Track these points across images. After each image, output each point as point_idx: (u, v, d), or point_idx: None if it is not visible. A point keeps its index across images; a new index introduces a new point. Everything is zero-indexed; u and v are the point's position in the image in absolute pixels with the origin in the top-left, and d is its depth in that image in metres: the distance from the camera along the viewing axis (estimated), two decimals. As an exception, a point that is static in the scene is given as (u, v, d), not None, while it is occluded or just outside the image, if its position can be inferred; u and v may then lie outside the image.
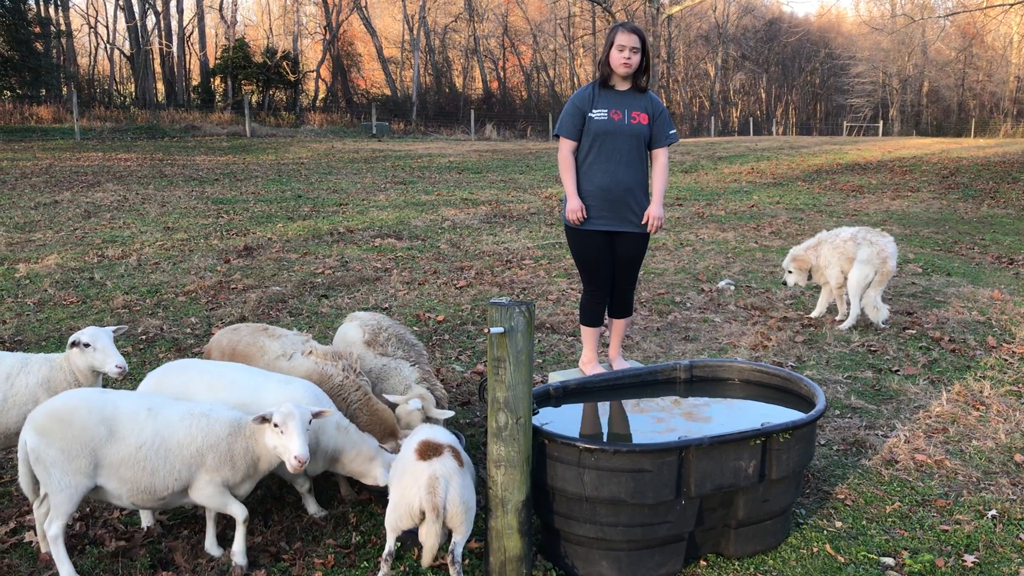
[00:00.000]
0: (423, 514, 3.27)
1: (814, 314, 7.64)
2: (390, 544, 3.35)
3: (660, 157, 5.30)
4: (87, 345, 4.11)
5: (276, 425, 3.42)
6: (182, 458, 3.47)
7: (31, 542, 3.80)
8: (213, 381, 3.92)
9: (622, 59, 5.04)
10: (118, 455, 3.41)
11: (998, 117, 57.20)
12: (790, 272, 7.55)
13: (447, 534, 3.37)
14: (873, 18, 64.66)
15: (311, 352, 4.36)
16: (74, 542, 3.81)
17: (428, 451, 3.40)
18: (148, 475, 3.44)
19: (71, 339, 4.15)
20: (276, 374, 4.08)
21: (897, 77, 62.54)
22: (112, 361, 4.12)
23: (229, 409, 3.64)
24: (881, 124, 57.08)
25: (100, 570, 3.60)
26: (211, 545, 3.72)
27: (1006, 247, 11.82)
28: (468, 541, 3.81)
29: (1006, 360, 6.51)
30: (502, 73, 60.32)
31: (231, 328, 4.67)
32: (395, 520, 3.35)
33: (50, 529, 3.40)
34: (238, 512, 3.59)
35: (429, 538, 3.29)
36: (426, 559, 3.35)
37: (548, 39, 60.34)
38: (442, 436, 3.56)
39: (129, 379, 5.87)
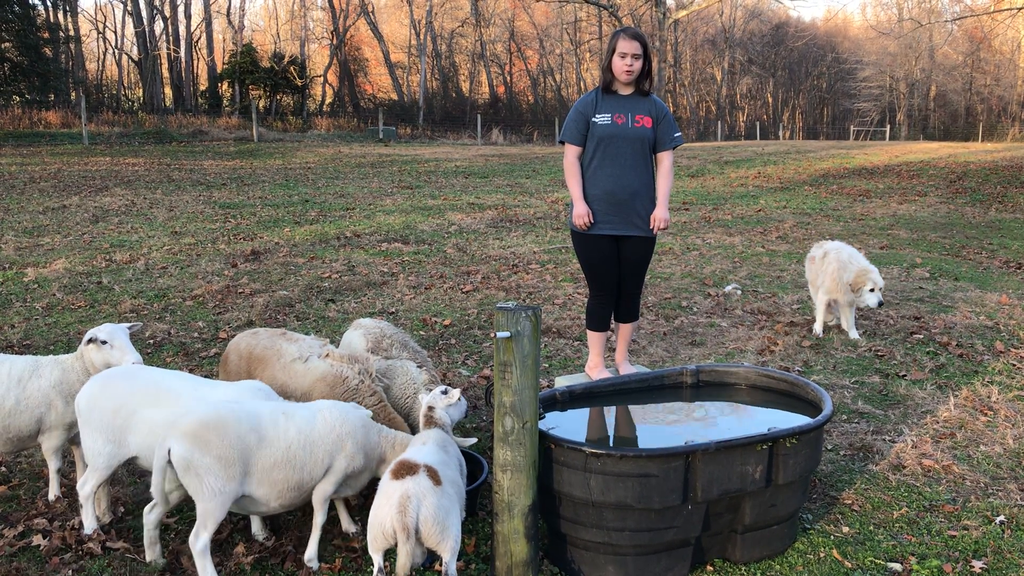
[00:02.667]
0: (396, 534, 3.24)
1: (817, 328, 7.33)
2: (378, 562, 3.32)
3: (665, 160, 5.30)
4: (104, 342, 4.13)
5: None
6: (325, 448, 3.61)
7: (39, 546, 3.81)
8: (159, 391, 3.82)
9: (624, 66, 5.05)
10: (270, 459, 3.51)
11: (1006, 121, 57.06)
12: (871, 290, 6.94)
13: (425, 552, 3.34)
14: (880, 22, 64.67)
15: (328, 355, 4.38)
16: (88, 547, 3.82)
17: (402, 470, 3.36)
18: (298, 471, 3.56)
19: (87, 336, 4.15)
20: (223, 382, 4.06)
21: (904, 81, 62.47)
22: (129, 358, 4.15)
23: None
24: (888, 128, 57.04)
25: (108, 573, 3.62)
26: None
27: (1014, 251, 11.78)
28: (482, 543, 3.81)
29: (1014, 365, 6.48)
30: (508, 78, 60.42)
31: (250, 332, 4.66)
32: (371, 540, 3.33)
33: (198, 541, 3.41)
34: (320, 517, 3.69)
35: (400, 556, 3.25)
36: (401, 574, 3.30)
37: (554, 44, 60.44)
38: (424, 456, 3.48)
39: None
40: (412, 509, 3.22)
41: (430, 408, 3.83)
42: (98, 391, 3.81)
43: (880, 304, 6.95)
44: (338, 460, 3.65)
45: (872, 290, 6.90)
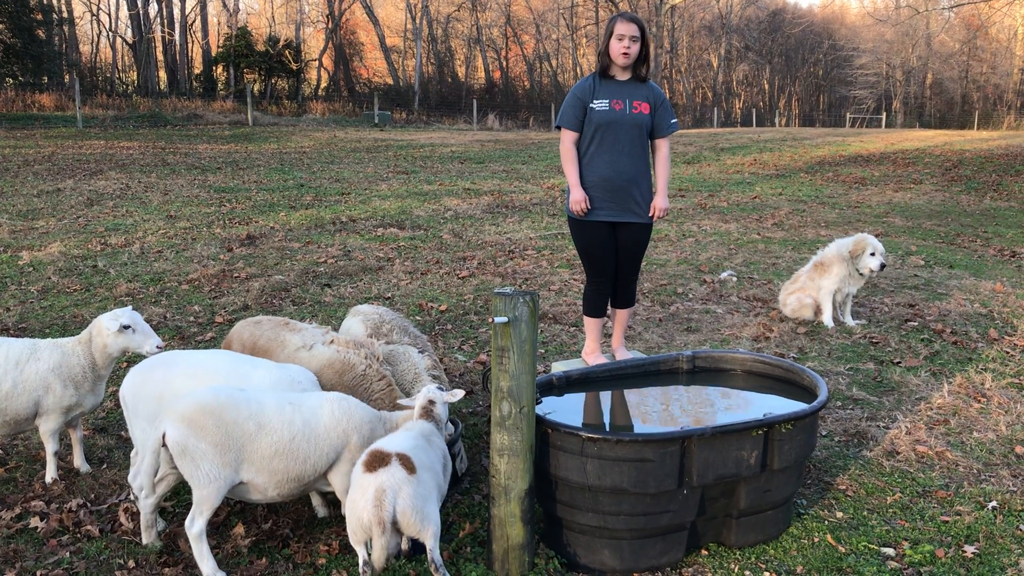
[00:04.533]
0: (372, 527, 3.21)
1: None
2: (362, 555, 3.30)
3: (662, 147, 5.31)
4: (127, 327, 4.15)
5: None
6: (330, 442, 3.58)
7: (36, 528, 3.82)
8: (199, 373, 3.84)
9: (621, 48, 5.03)
10: (271, 448, 3.47)
11: (1001, 109, 57.10)
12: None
13: (399, 544, 3.36)
14: (877, 9, 64.50)
15: (332, 341, 4.33)
16: (87, 529, 3.83)
17: (374, 462, 3.30)
18: (301, 463, 3.53)
19: (113, 323, 4.14)
20: (265, 361, 4.04)
21: (901, 69, 62.40)
22: (153, 341, 4.23)
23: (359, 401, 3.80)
24: (884, 116, 57.01)
25: (106, 556, 3.63)
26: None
27: (1008, 240, 11.81)
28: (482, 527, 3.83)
29: (1007, 352, 6.52)
30: (504, 63, 60.19)
31: (253, 321, 4.62)
32: (351, 533, 3.30)
33: (193, 526, 3.39)
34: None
35: (375, 550, 3.23)
36: (377, 566, 3.28)
37: (551, 28, 60.21)
38: (396, 444, 3.43)
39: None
40: (388, 502, 3.18)
41: (431, 402, 3.77)
42: (140, 381, 3.84)
43: (882, 267, 7.09)
44: (344, 454, 3.63)
45: (872, 254, 7.06)
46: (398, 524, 3.21)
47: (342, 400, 3.69)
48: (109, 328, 4.15)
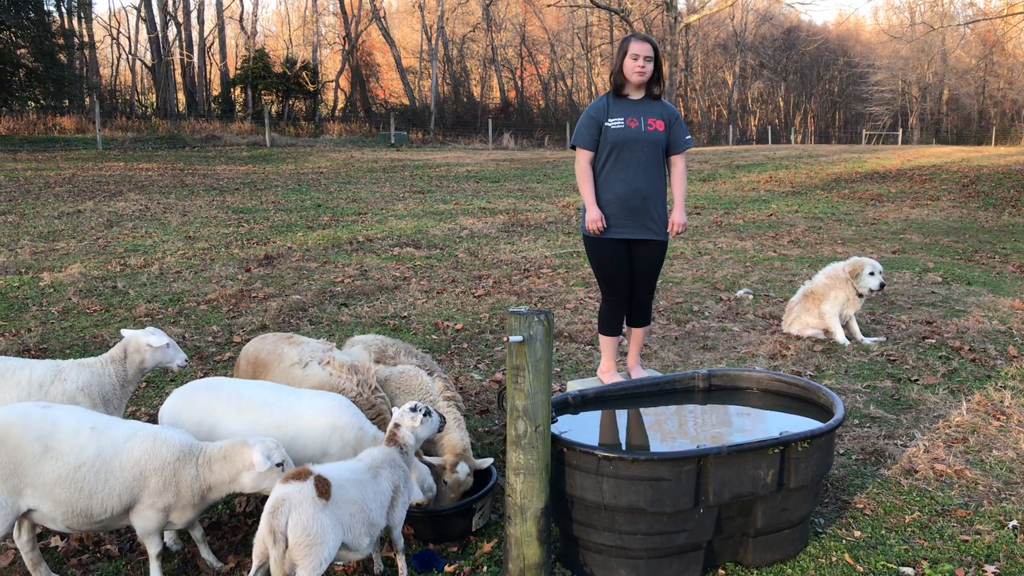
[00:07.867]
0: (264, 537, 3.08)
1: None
2: (254, 568, 3.15)
3: (678, 164, 5.32)
4: (167, 344, 4.25)
5: (281, 466, 3.31)
6: (123, 481, 3.27)
7: (57, 547, 3.86)
8: (243, 402, 3.82)
9: (636, 67, 5.06)
10: (54, 474, 3.20)
11: (1019, 125, 56.80)
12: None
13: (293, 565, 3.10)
14: (892, 26, 64.42)
15: (328, 363, 4.28)
16: (107, 548, 3.86)
17: (291, 476, 3.15)
18: (86, 497, 3.24)
19: (158, 339, 4.21)
20: (307, 390, 3.99)
21: (917, 85, 62.23)
22: (182, 356, 4.34)
23: (181, 433, 3.48)
24: (900, 132, 56.83)
25: (125, 573, 3.66)
26: (208, 556, 3.70)
27: (1027, 256, 11.73)
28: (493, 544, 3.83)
29: (1027, 370, 6.46)
30: (520, 82, 60.51)
31: (260, 336, 4.69)
32: (254, 544, 3.17)
33: None
34: (153, 548, 3.43)
35: (271, 564, 3.07)
36: None
37: (566, 48, 60.50)
38: (328, 468, 3.26)
39: (151, 385, 5.95)
40: (282, 513, 3.04)
41: (396, 425, 3.60)
42: (182, 404, 3.86)
43: (881, 286, 7.18)
44: (144, 496, 3.31)
45: (872, 273, 7.17)
46: (287, 540, 3.02)
47: (152, 437, 3.36)
48: (152, 344, 4.20)
